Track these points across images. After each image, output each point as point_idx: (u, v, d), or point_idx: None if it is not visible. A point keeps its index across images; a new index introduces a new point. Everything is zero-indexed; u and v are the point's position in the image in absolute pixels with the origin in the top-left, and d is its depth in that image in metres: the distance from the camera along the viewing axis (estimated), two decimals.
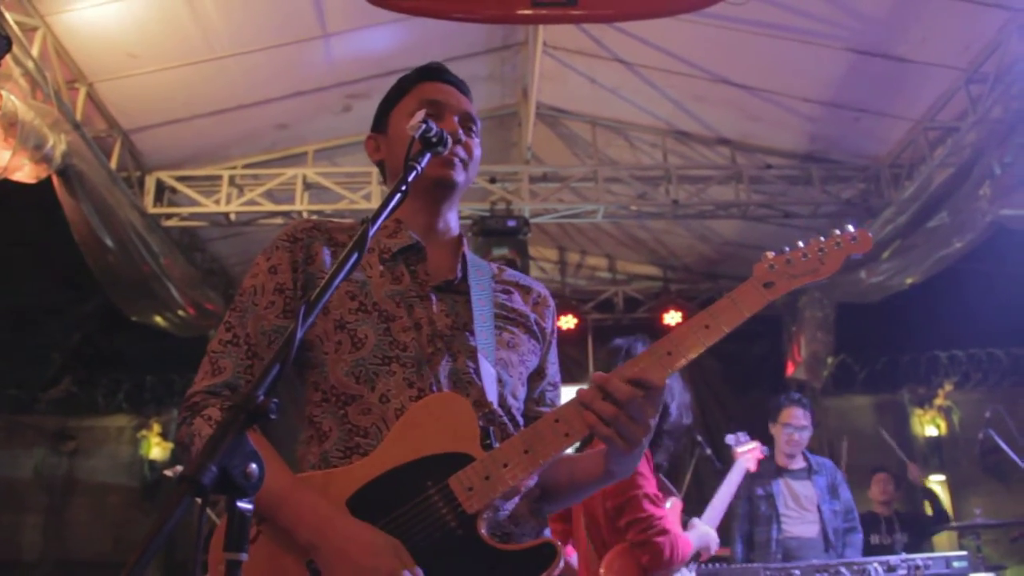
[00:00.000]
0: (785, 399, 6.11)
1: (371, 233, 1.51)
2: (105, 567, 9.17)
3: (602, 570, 3.66)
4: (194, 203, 7.99)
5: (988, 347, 10.85)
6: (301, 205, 7.95)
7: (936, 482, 10.66)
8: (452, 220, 2.19)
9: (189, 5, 6.15)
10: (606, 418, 1.74)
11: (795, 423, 5.92)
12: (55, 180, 6.22)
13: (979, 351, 10.90)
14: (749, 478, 6.11)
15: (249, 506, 1.12)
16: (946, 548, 8.25)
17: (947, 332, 10.36)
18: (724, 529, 6.17)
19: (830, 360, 9.83)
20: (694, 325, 1.84)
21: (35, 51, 5.92)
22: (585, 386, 1.85)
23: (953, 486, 10.56)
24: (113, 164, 7.18)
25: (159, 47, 6.48)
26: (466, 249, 2.15)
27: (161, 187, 8.00)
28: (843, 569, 4.64)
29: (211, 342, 1.97)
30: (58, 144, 5.91)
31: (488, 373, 1.96)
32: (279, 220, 8.02)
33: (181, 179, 8.02)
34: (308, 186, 8.07)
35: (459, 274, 2.08)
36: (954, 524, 8.82)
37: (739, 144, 8.48)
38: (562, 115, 8.68)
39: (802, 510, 5.91)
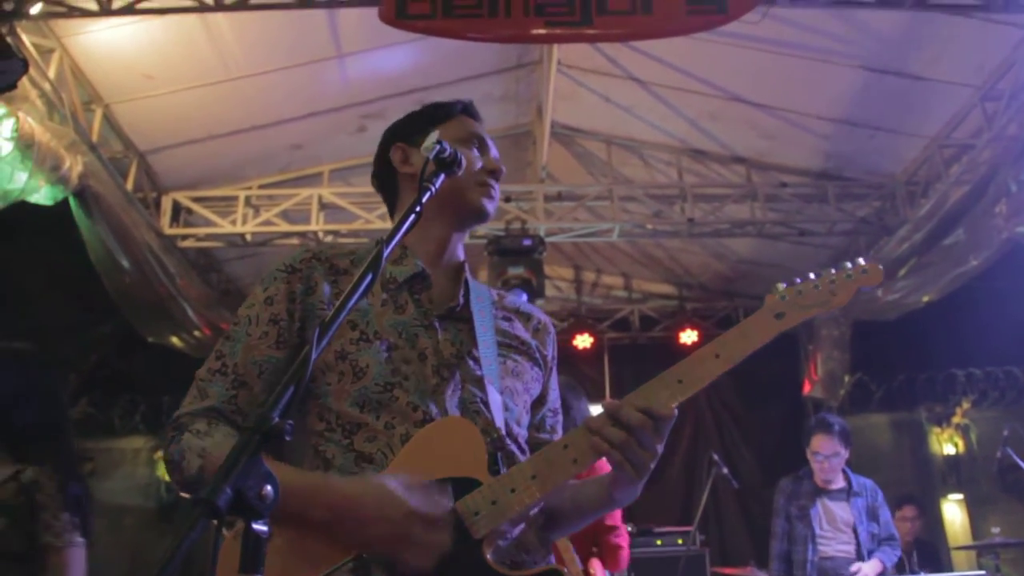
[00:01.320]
0: (816, 424, 6.02)
1: (386, 254, 1.51)
2: None
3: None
4: (210, 223, 8.03)
5: (1005, 365, 10.75)
6: (316, 225, 7.97)
7: (954, 500, 10.59)
8: (460, 248, 2.20)
9: (205, 26, 6.19)
10: (616, 443, 1.74)
11: (822, 451, 5.85)
12: (72, 202, 6.25)
13: (996, 369, 10.80)
14: (787, 497, 6.08)
15: (264, 528, 1.12)
16: (965, 568, 8.16)
17: (964, 350, 10.26)
18: (762, 548, 6.16)
19: (847, 378, 9.79)
20: (705, 354, 1.85)
21: (52, 73, 5.97)
22: (599, 408, 1.85)
23: (971, 505, 10.46)
24: (129, 185, 7.23)
25: (175, 68, 6.53)
26: (468, 275, 2.14)
27: (177, 208, 8.04)
28: None
29: (200, 368, 1.97)
30: (75, 165, 5.94)
31: (495, 401, 1.95)
32: (295, 240, 8.05)
33: (197, 200, 8.06)
34: (323, 206, 8.10)
35: (461, 301, 2.07)
36: (973, 544, 8.75)
37: (754, 162, 8.47)
38: (577, 134, 8.69)
39: (837, 531, 5.85)
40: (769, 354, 1.96)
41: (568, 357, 10.60)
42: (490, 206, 2.11)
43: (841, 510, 5.86)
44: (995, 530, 6.00)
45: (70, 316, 10.04)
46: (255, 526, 1.11)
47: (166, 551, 0.99)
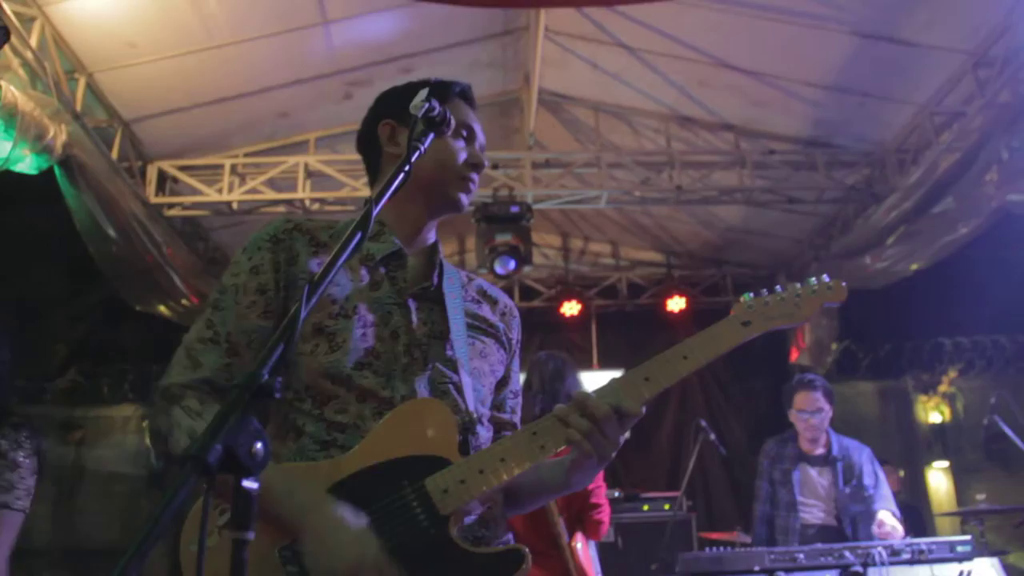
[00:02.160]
0: (796, 383, 6.00)
1: (375, 212, 1.50)
2: (113, 554, 9.07)
3: (578, 544, 4.89)
4: (196, 192, 7.97)
5: (993, 334, 10.83)
6: (303, 193, 7.93)
7: (939, 468, 10.66)
8: (434, 231, 2.23)
9: None
10: (583, 433, 1.82)
11: (809, 407, 5.83)
12: (56, 171, 6.20)
13: (984, 338, 10.88)
14: (771, 460, 6.08)
15: (255, 485, 1.11)
16: (949, 534, 8.23)
17: (952, 318, 10.33)
18: (747, 513, 6.18)
19: (834, 346, 9.82)
20: (673, 355, 1.94)
21: (34, 41, 5.87)
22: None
23: (956, 473, 10.56)
24: (114, 154, 7.15)
25: (158, 36, 6.44)
26: (442, 256, 2.18)
27: (163, 176, 7.97)
28: (847, 553, 4.61)
29: (188, 335, 1.97)
30: (59, 135, 5.88)
31: (467, 382, 2.00)
32: (281, 208, 8.00)
33: (183, 168, 7.99)
34: (310, 174, 8.05)
35: (435, 281, 2.10)
36: (958, 510, 8.81)
37: (743, 129, 8.44)
38: (564, 101, 8.64)
39: (818, 499, 5.86)
40: None
41: (556, 324, 10.63)
42: (466, 200, 2.15)
43: (822, 476, 5.87)
44: (980, 497, 6.02)
45: (58, 286, 10.01)
46: (245, 483, 1.10)
47: (156, 509, 0.98)
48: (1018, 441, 5.91)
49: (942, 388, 10.91)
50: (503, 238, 7.78)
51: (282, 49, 7.00)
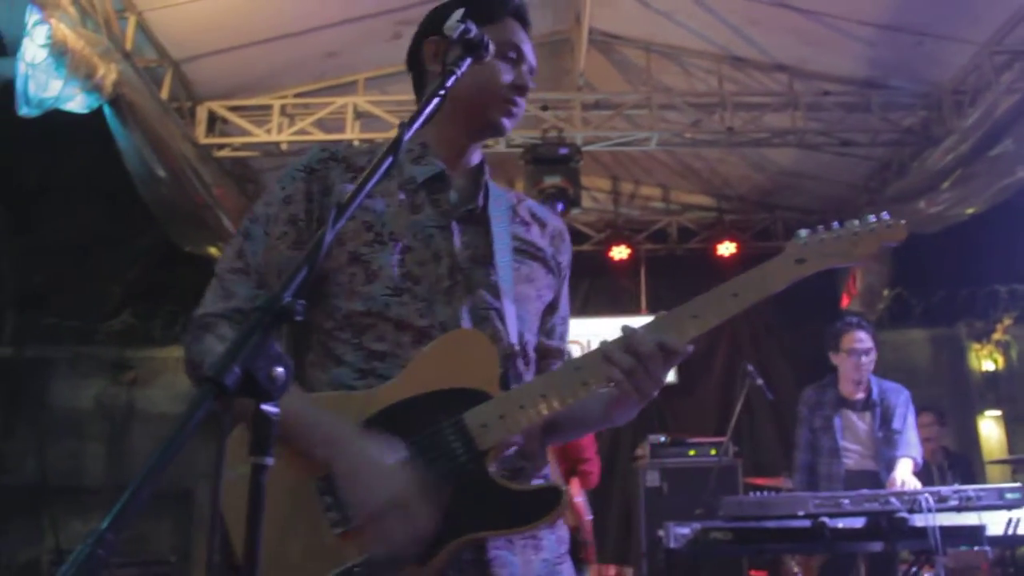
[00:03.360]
0: (843, 324, 5.94)
1: (407, 136, 1.48)
2: (164, 495, 9.39)
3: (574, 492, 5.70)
4: (245, 133, 7.99)
5: None
6: (352, 134, 7.92)
7: (991, 417, 10.53)
8: (478, 152, 2.16)
9: None
10: (625, 369, 1.76)
11: (860, 346, 5.77)
12: (106, 110, 6.24)
13: None
14: (810, 407, 6.04)
15: (275, 409, 1.11)
16: (1000, 482, 8.14)
17: (1008, 265, 10.11)
18: (787, 458, 6.18)
19: (886, 293, 9.68)
20: (723, 292, 1.85)
21: None
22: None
23: (1009, 421, 10.41)
24: (164, 94, 7.19)
25: None
26: (487, 177, 2.11)
27: (212, 117, 8.00)
28: (893, 499, 4.57)
29: (220, 262, 1.96)
30: (108, 74, 5.91)
31: (510, 310, 1.95)
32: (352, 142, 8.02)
33: (232, 109, 8.01)
34: (359, 115, 8.03)
35: (480, 203, 2.05)
36: (1007, 458, 8.71)
37: (796, 70, 8.27)
38: (615, 41, 8.51)
39: (860, 445, 5.82)
40: None
41: (604, 268, 10.58)
42: (508, 124, 2.08)
43: (862, 420, 5.82)
44: None
45: (110, 228, 10.14)
46: (265, 407, 1.10)
47: (170, 432, 0.98)
48: None
49: (996, 336, 10.72)
50: (552, 180, 7.73)
51: None
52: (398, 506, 1.67)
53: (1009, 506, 4.64)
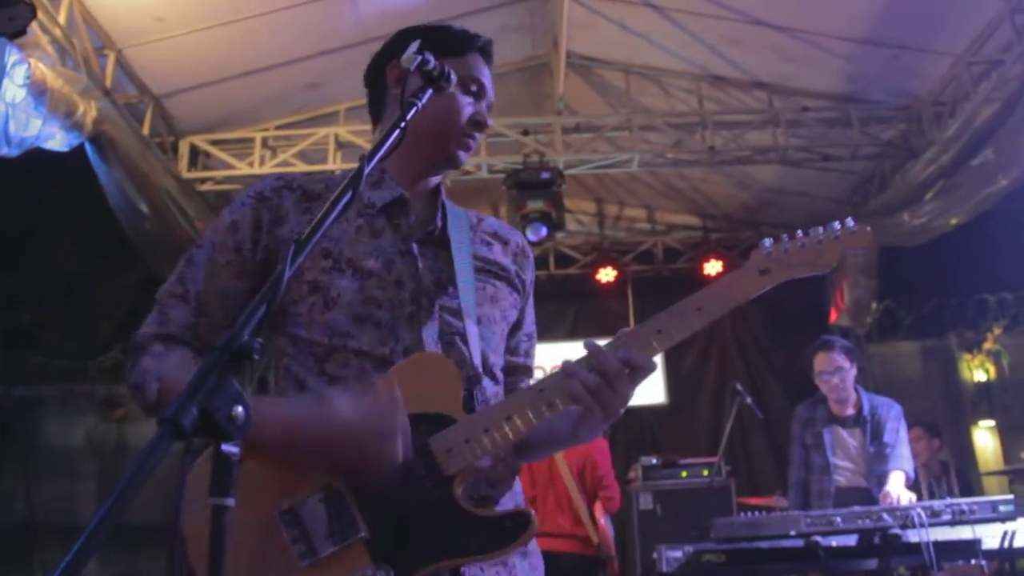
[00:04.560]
0: (813, 347, 5.97)
1: (367, 170, 1.47)
2: (156, 531, 9.30)
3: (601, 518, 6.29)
4: (228, 166, 7.99)
5: None
6: (334, 164, 7.92)
7: (985, 427, 10.51)
8: (438, 177, 2.16)
9: None
10: (589, 388, 1.75)
11: (828, 368, 5.79)
12: (87, 148, 6.24)
13: None
14: (802, 424, 6.04)
15: (235, 449, 1.09)
16: (997, 493, 8.12)
17: (995, 274, 10.13)
18: (781, 476, 6.21)
19: (874, 306, 9.68)
20: (686, 307, 1.84)
21: (62, 18, 5.91)
22: None
23: (1003, 431, 10.40)
24: (146, 130, 7.20)
25: (185, 10, 6.45)
26: (444, 198, 2.11)
27: (195, 151, 8.01)
28: (886, 515, 4.56)
29: (163, 287, 1.94)
30: (88, 111, 5.92)
31: (472, 333, 1.93)
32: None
33: (214, 143, 8.03)
34: (340, 145, 8.04)
35: (439, 224, 2.04)
36: (1001, 469, 8.69)
37: (776, 87, 8.31)
38: (594, 64, 8.54)
39: (850, 460, 5.81)
40: (795, 282, 1.93)
41: (592, 291, 10.59)
42: (464, 156, 2.08)
43: (852, 437, 5.82)
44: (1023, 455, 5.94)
45: (98, 265, 10.12)
46: (225, 448, 1.08)
47: (127, 474, 0.97)
48: None
49: (987, 345, 10.72)
50: (534, 205, 7.74)
51: (309, 19, 6.98)
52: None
53: (1003, 518, 4.63)
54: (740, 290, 1.87)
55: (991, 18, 6.86)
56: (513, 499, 1.98)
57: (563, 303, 10.94)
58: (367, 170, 1.47)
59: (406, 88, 1.77)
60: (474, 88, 2.07)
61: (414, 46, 1.73)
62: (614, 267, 10.45)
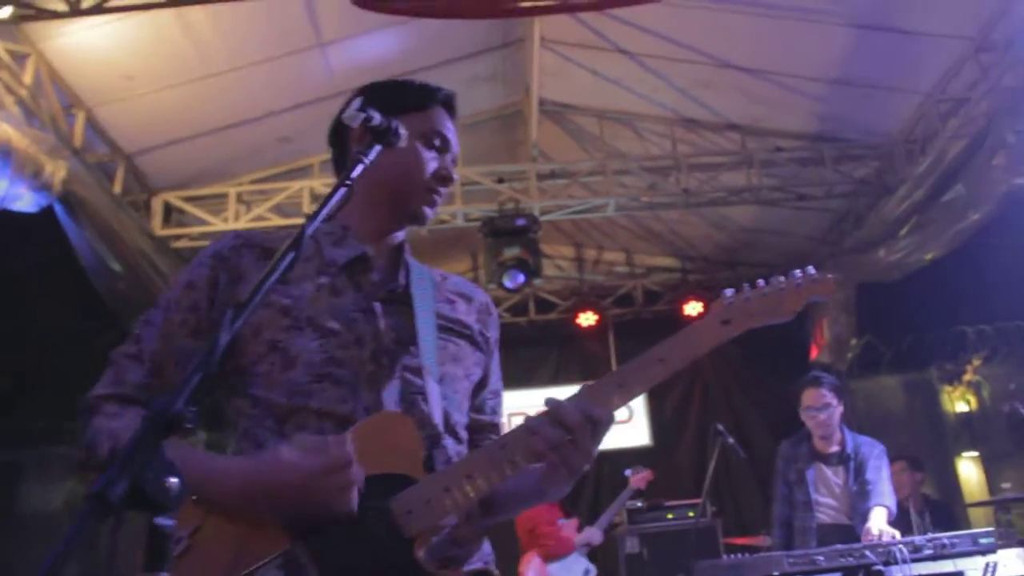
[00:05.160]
0: (802, 382, 5.97)
1: (308, 232, 1.44)
2: None
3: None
4: (203, 222, 7.97)
5: (1016, 319, 10.66)
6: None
7: (969, 458, 10.51)
8: (401, 232, 2.13)
9: (181, 22, 6.11)
10: (552, 443, 1.71)
11: (815, 403, 5.78)
12: (57, 208, 6.20)
13: (1007, 324, 10.70)
14: (786, 460, 6.02)
15: (169, 522, 1.06)
16: (982, 525, 8.10)
17: (973, 306, 10.14)
18: (768, 514, 6.19)
19: (854, 342, 9.69)
20: (649, 359, 1.81)
21: (27, 78, 5.90)
22: None
23: (986, 461, 10.39)
24: (117, 188, 7.17)
25: (155, 67, 6.46)
26: (407, 255, 2.09)
27: (168, 208, 7.98)
28: (868, 552, 4.53)
29: (118, 347, 1.91)
30: (57, 171, 5.90)
31: (433, 391, 1.90)
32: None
33: (188, 199, 8.00)
34: (315, 198, 8.02)
35: (402, 282, 2.02)
36: (983, 500, 8.68)
37: (748, 129, 8.37)
38: (567, 110, 8.60)
39: (834, 498, 5.79)
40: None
41: (573, 336, 10.58)
42: (430, 213, 2.07)
43: (836, 475, 5.80)
44: (1006, 485, 5.93)
45: (73, 324, 10.03)
46: (158, 521, 1.05)
47: (56, 551, 0.94)
48: None
49: (967, 377, 10.74)
50: (511, 252, 7.74)
51: (280, 74, 7.00)
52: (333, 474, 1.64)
53: (984, 551, 4.61)
54: (702, 341, 1.84)
55: (957, 57, 6.94)
56: (482, 559, 1.94)
57: (545, 348, 10.93)
58: (309, 230, 1.45)
59: (342, 145, 1.75)
60: (437, 142, 2.06)
61: (356, 103, 1.71)
62: (594, 311, 10.45)
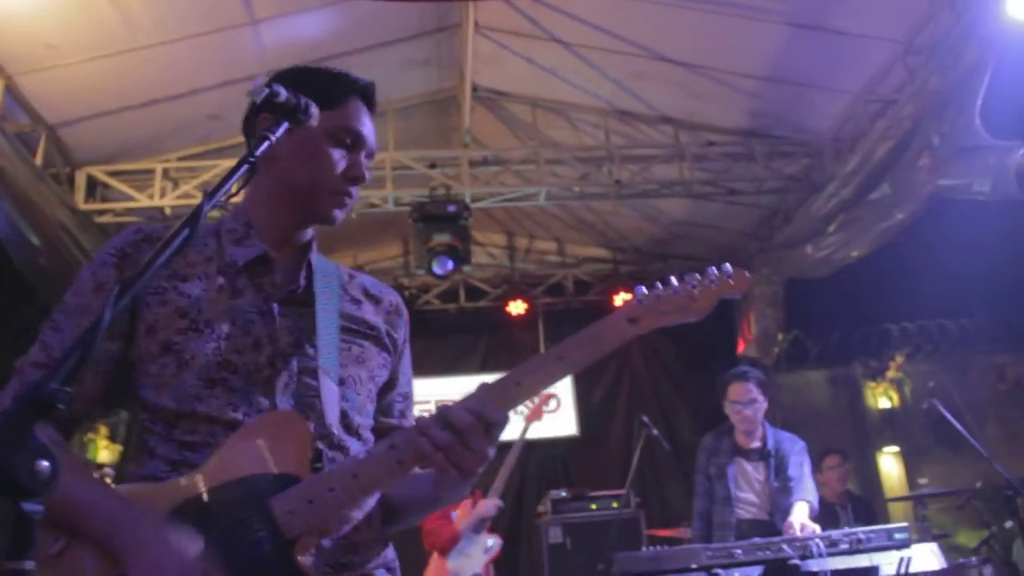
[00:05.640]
0: (729, 376, 6.01)
1: (206, 209, 1.39)
2: None
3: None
4: (128, 198, 7.78)
5: (937, 318, 10.90)
6: (238, 197, 7.73)
7: (890, 453, 10.72)
8: (309, 231, 2.05)
9: None
10: (440, 445, 1.66)
11: (742, 398, 5.82)
12: None
13: (929, 322, 10.95)
14: (707, 454, 6.05)
15: (36, 507, 1.01)
16: (901, 519, 8.26)
17: (897, 305, 10.38)
18: (690, 506, 6.24)
19: (781, 337, 9.81)
20: (549, 357, 1.78)
21: None
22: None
23: (907, 456, 10.62)
24: (39, 160, 6.95)
25: (78, 37, 6.25)
26: (312, 255, 2.02)
27: (92, 182, 7.77)
28: (785, 546, 4.58)
29: (23, 356, 1.82)
30: None
31: (330, 392, 1.85)
32: (215, 212, 7.84)
33: (113, 174, 7.80)
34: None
35: (302, 283, 1.95)
36: (900, 496, 8.87)
37: (682, 122, 8.40)
38: (501, 97, 8.55)
39: (754, 493, 5.83)
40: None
41: (502, 324, 10.57)
42: (340, 215, 1.98)
43: (756, 471, 5.85)
44: (923, 481, 6.04)
45: None
46: (25, 506, 1.00)
47: None
48: (957, 425, 5.92)
49: (890, 374, 10.97)
50: (440, 238, 7.69)
51: (211, 49, 6.84)
52: None
53: (899, 546, 4.69)
54: (606, 339, 1.81)
55: (885, 59, 7.04)
56: (384, 564, 1.90)
57: (474, 336, 10.90)
58: (207, 208, 1.39)
59: (247, 120, 1.69)
60: (348, 140, 1.95)
61: (260, 78, 1.66)
62: (524, 300, 10.45)
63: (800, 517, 5.36)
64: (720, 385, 6.04)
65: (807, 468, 5.84)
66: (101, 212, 7.79)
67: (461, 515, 6.84)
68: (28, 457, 1.00)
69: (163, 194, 7.78)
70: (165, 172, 7.90)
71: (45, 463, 1.01)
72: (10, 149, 6.28)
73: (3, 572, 0.99)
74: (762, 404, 5.86)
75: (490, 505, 6.90)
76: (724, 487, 5.84)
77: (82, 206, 7.58)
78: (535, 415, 7.34)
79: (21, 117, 6.83)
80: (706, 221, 9.92)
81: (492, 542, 6.86)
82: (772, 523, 5.61)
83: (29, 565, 1.00)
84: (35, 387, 1.04)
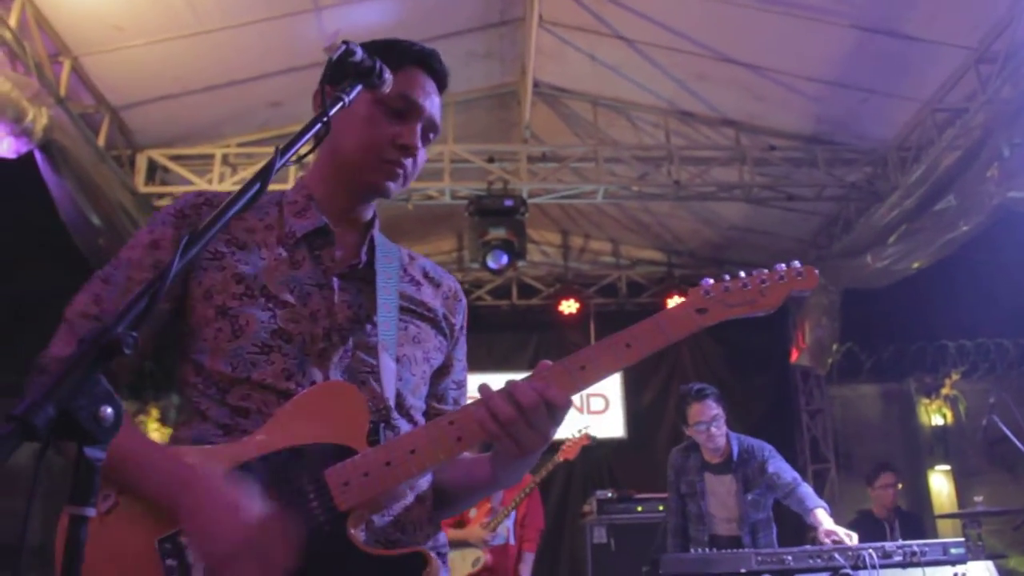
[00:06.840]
0: (687, 397, 5.86)
1: (278, 165, 1.35)
2: (41, 551, 9.08)
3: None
4: (186, 182, 7.83)
5: (996, 337, 10.69)
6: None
7: (941, 471, 10.53)
8: (370, 209, 2.01)
9: None
10: (503, 420, 1.60)
11: (705, 417, 5.69)
12: (37, 156, 6.05)
13: (987, 340, 10.74)
14: (676, 471, 5.96)
15: (100, 454, 0.97)
16: (950, 537, 8.11)
17: (955, 321, 10.19)
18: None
19: (835, 347, 9.65)
20: (616, 343, 1.72)
21: (13, 20, 5.74)
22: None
23: (958, 476, 10.43)
24: (101, 141, 7.02)
25: (145, 19, 6.30)
26: (375, 232, 1.98)
27: (153, 165, 7.84)
28: (837, 555, 4.48)
29: (73, 306, 1.78)
30: (39, 118, 5.73)
31: (388, 369, 1.81)
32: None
33: (173, 158, 7.86)
34: (303, 165, 7.91)
35: (364, 258, 1.91)
36: (954, 512, 8.68)
37: (743, 125, 8.30)
38: (562, 94, 8.51)
39: (726, 508, 5.73)
40: (758, 321, 1.85)
41: (553, 323, 10.52)
42: (393, 187, 1.90)
43: (724, 485, 5.74)
44: (978, 499, 5.89)
45: (53, 280, 9.87)
46: (88, 451, 0.96)
47: None
48: (1017, 443, 5.78)
49: (944, 391, 10.78)
50: (496, 232, 7.67)
51: (274, 36, 6.87)
52: (252, 548, 1.50)
53: (954, 561, 4.57)
54: (674, 328, 1.75)
55: (956, 66, 6.89)
56: (435, 550, 1.85)
57: (525, 334, 10.87)
58: (279, 164, 1.35)
59: (323, 79, 1.66)
60: (403, 105, 1.88)
61: (341, 33, 1.62)
62: (577, 299, 10.41)
63: (830, 523, 5.18)
64: (679, 409, 5.94)
65: (787, 465, 5.71)
66: (160, 196, 7.84)
67: (479, 515, 6.89)
68: (93, 402, 0.97)
69: (221, 179, 7.82)
70: (224, 158, 7.94)
71: (109, 409, 0.98)
72: (75, 130, 6.34)
73: (70, 517, 0.96)
74: (722, 416, 5.75)
75: (481, 537, 6.83)
76: (696, 505, 5.77)
77: (142, 189, 7.64)
78: (570, 452, 7.29)
79: (86, 98, 6.90)
80: (763, 227, 9.79)
81: (480, 557, 6.84)
82: (741, 538, 5.53)
83: (90, 512, 0.97)
84: (103, 331, 1.01)
